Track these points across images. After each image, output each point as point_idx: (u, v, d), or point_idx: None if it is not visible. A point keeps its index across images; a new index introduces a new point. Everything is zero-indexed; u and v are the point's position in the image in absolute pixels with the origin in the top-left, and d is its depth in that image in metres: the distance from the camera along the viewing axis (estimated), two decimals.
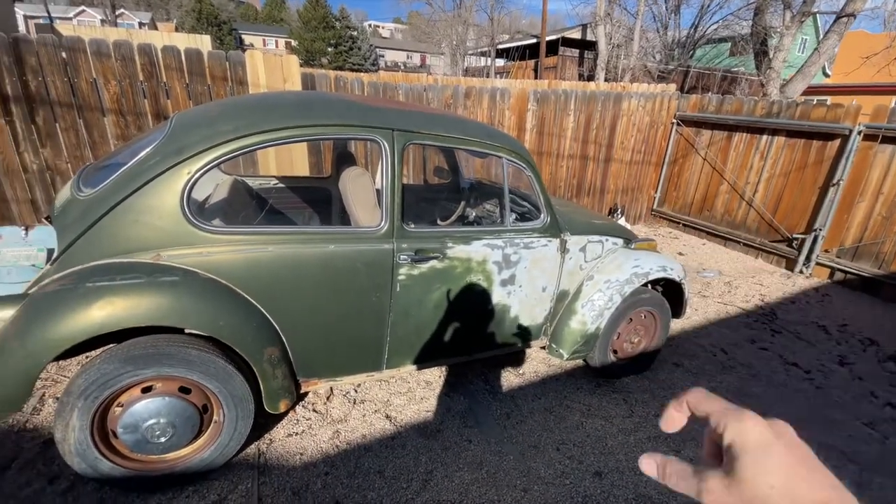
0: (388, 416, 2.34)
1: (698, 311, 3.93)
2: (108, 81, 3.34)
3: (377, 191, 1.97)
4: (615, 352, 2.84)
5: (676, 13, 18.30)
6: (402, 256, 1.95)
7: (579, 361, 2.94)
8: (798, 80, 8.90)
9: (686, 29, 18.02)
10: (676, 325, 3.64)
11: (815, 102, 4.87)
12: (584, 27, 20.02)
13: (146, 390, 1.70)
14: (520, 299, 2.38)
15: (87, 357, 2.52)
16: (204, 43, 11.22)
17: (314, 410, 2.35)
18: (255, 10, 60.33)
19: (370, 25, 67.99)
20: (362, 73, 8.62)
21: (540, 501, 1.91)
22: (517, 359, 2.97)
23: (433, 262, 2.04)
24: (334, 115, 1.84)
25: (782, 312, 3.97)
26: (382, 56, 45.75)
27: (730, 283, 4.56)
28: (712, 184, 5.88)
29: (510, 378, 2.76)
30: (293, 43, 40.80)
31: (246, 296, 1.75)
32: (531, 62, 21.12)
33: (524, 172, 2.29)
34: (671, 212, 6.61)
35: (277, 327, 1.84)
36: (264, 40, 45.22)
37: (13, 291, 1.62)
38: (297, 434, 2.18)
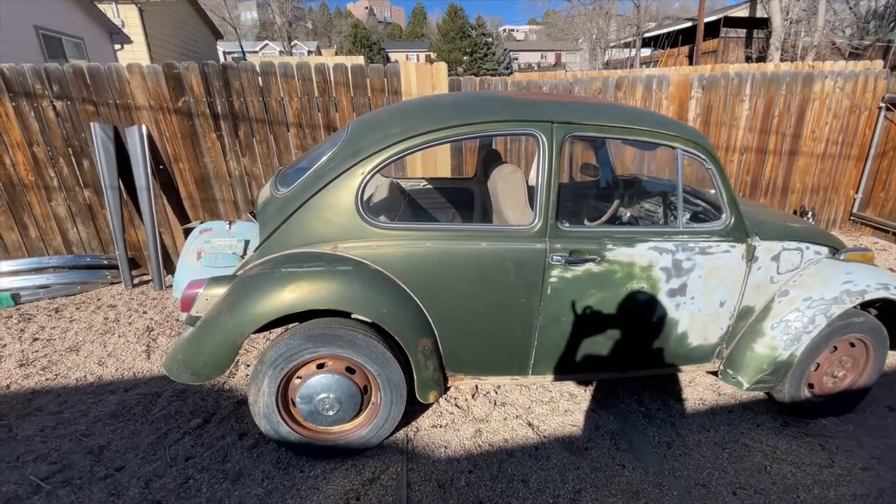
0: (530, 424, 2.24)
1: None
2: (292, 99, 3.88)
3: (530, 188, 1.89)
4: (811, 386, 2.31)
5: None
6: (554, 257, 1.84)
7: (758, 393, 2.46)
8: None
9: None
10: (890, 359, 2.83)
11: None
12: (753, 3, 17.19)
13: (320, 367, 1.89)
14: (691, 314, 2.07)
15: (271, 333, 2.95)
16: (358, 63, 12.60)
17: (456, 405, 2.37)
18: (400, 28, 65.76)
19: (504, 30, 68.75)
20: (495, 77, 8.70)
21: None
22: (677, 381, 2.61)
23: (589, 265, 1.88)
24: (492, 112, 1.82)
25: None
26: (516, 59, 45.80)
27: None
28: None
29: (670, 403, 2.43)
30: (433, 56, 43.35)
31: (405, 287, 1.83)
32: (684, 48, 18.93)
33: (704, 165, 1.99)
34: (878, 217, 5.24)
35: (431, 320, 1.89)
36: (407, 55, 48.95)
37: (223, 273, 1.95)
38: (441, 426, 2.22)
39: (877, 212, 5.36)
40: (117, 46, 12.14)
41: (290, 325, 2.03)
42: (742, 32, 17.53)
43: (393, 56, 47.48)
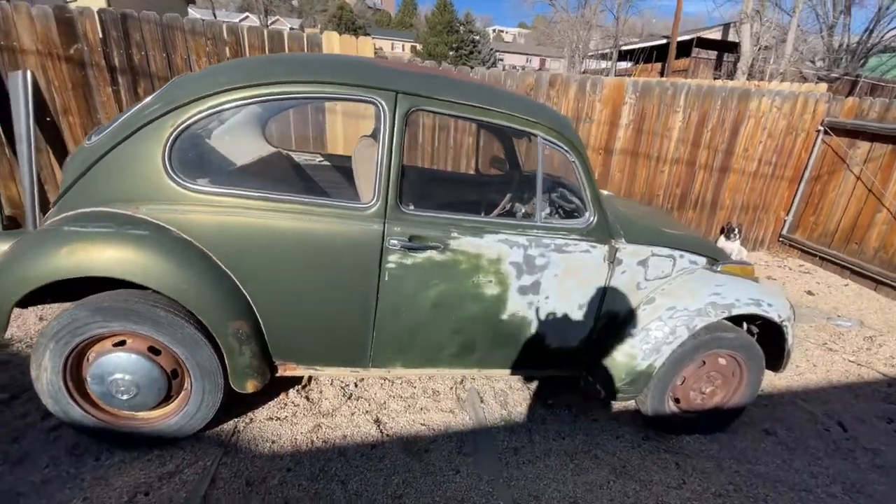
0: (377, 421, 2.08)
1: (818, 368, 3.01)
2: (199, 58, 3.59)
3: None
4: (677, 400, 2.23)
5: (847, 14, 15.10)
6: (392, 241, 1.68)
7: (629, 403, 2.38)
8: None
9: (858, 34, 14.81)
10: (778, 380, 2.81)
11: None
12: (726, 27, 17.62)
13: (119, 345, 1.67)
14: (545, 314, 1.94)
15: None
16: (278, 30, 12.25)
17: (306, 398, 2.19)
18: (390, 16, 64.74)
19: (494, 30, 68.68)
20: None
21: None
22: (550, 386, 2.50)
23: (431, 253, 1.72)
24: (332, 73, 1.63)
25: None
26: (501, 59, 45.77)
27: (872, 338, 3.45)
28: (866, 210, 4.59)
29: (535, 407, 2.32)
30: (418, 47, 42.81)
31: (219, 262, 1.63)
32: (657, 65, 19.25)
33: (567, 157, 1.86)
34: (806, 240, 5.34)
35: (251, 301, 1.69)
36: (392, 44, 48.19)
37: None
38: (278, 419, 2.03)
39: (806, 235, 5.46)
40: None
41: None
42: (713, 54, 17.94)
43: (378, 44, 46.67)
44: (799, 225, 5.52)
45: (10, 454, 1.73)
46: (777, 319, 2.08)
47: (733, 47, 16.85)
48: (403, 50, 46.90)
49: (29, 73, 3.37)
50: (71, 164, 1.70)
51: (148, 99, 1.68)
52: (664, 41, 18.95)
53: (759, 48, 15.31)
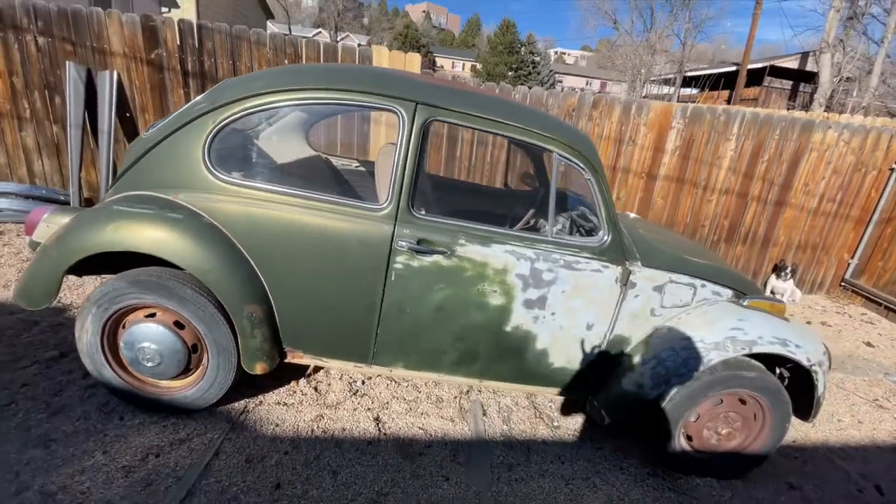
0: (377, 419, 2.13)
1: (863, 425, 2.73)
2: (261, 66, 3.90)
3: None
4: (689, 438, 2.12)
5: None
6: (400, 242, 1.74)
7: (639, 435, 2.28)
8: None
9: None
10: (815, 433, 2.59)
11: None
12: (804, 55, 16.58)
13: (150, 316, 1.84)
14: (551, 330, 1.93)
15: None
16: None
17: (315, 388, 2.28)
18: (453, 35, 66.50)
19: (556, 52, 68.62)
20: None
21: None
22: (557, 407, 2.45)
23: (437, 257, 1.77)
24: (356, 81, 1.74)
25: None
26: (561, 81, 45.57)
27: None
28: None
29: (538, 427, 2.28)
30: (478, 66, 43.53)
31: (242, 249, 1.76)
32: (724, 93, 18.42)
33: (583, 175, 1.86)
34: (871, 287, 4.89)
35: (266, 288, 1.81)
36: (453, 63, 49.38)
37: None
38: (285, 404, 2.14)
39: (872, 281, 5.01)
40: (164, 9, 12.64)
41: None
42: (788, 84, 16.93)
43: (440, 62, 47.98)
44: (865, 270, 5.07)
45: (51, 405, 1.94)
46: (805, 363, 1.93)
47: (811, 77, 15.84)
48: (464, 69, 47.89)
49: (115, 73, 3.81)
50: (129, 153, 1.91)
51: (198, 97, 1.87)
52: (734, 68, 18.15)
53: (840, 79, 14.28)
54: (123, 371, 1.90)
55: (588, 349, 1.98)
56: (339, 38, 30.19)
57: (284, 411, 2.09)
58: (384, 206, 1.75)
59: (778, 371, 2.22)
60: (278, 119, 2.39)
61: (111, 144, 3.85)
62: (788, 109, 16.69)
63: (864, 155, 4.66)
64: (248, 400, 2.12)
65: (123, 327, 1.85)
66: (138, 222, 1.68)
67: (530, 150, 2.56)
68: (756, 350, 1.90)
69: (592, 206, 2.21)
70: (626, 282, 1.90)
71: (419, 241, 1.76)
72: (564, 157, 1.82)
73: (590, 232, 2.14)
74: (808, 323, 4.37)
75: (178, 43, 3.80)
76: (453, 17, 78.48)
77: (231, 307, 1.76)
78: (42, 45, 3.79)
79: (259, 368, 1.87)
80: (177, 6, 13.22)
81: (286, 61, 3.91)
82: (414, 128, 1.71)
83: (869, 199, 4.87)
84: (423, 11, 70.91)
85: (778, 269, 4.88)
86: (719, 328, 1.93)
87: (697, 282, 2.02)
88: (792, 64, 16.93)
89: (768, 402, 2.04)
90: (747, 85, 17.21)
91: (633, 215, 2.92)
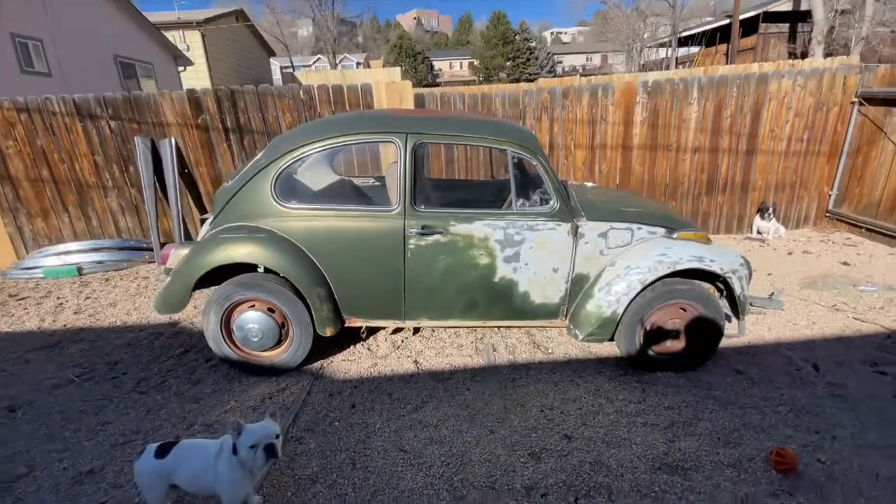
0: (416, 362, 2.92)
1: (816, 325, 3.31)
2: (285, 114, 4.80)
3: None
4: (647, 342, 2.77)
5: None
6: (410, 230, 2.53)
7: (615, 351, 2.96)
8: None
9: None
10: (768, 333, 3.19)
11: None
12: None
13: (251, 307, 2.69)
14: (527, 277, 2.66)
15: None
16: (393, 74, 13.88)
17: (368, 349, 3.10)
18: (447, 37, 67.23)
19: (552, 33, 68.21)
20: (523, 84, 9.29)
21: (500, 443, 2.23)
22: (550, 339, 3.17)
23: (437, 236, 2.55)
24: (364, 126, 2.55)
25: None
26: (560, 62, 45.55)
27: (892, 300, 3.60)
28: None
29: (536, 354, 3.01)
30: (475, 63, 44.11)
31: (305, 250, 2.59)
32: (722, 46, 18.40)
33: (532, 161, 2.59)
34: (852, 213, 5.32)
35: (325, 274, 2.63)
36: (450, 63, 50.13)
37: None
38: (348, 360, 2.96)
39: (852, 208, 5.44)
40: (181, 68, 13.98)
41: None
42: (784, 27, 16.80)
43: (437, 65, 48.88)
44: (845, 199, 5.50)
45: (191, 379, 2.82)
46: (720, 271, 2.59)
47: (805, 16, 15.71)
48: (461, 68, 48.59)
49: (173, 140, 4.78)
50: (218, 198, 2.78)
51: (259, 154, 2.72)
52: (727, 21, 18.11)
53: (835, 13, 14.18)
54: (237, 348, 2.76)
55: (559, 286, 2.71)
56: (338, 61, 31.51)
57: (349, 364, 2.92)
58: (395, 206, 2.54)
59: (717, 288, 2.85)
60: (308, 159, 3.23)
61: (178, 197, 4.82)
62: (790, 54, 16.58)
63: (823, 95, 5.11)
64: (322, 361, 2.95)
65: (233, 317, 2.71)
66: (238, 243, 2.53)
67: (492, 152, 3.30)
68: (679, 268, 2.57)
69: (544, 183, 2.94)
70: (575, 233, 2.61)
71: (423, 227, 2.54)
72: (515, 152, 2.56)
73: (546, 202, 2.86)
74: (790, 254, 4.87)
75: (217, 106, 4.74)
76: (444, 19, 79.31)
77: (305, 291, 2.59)
78: (114, 126, 4.80)
79: (328, 331, 2.69)
80: (191, 63, 14.54)
81: (302, 106, 4.77)
82: (407, 150, 2.50)
83: (836, 133, 5.30)
84: (414, 18, 72.12)
85: (760, 211, 5.39)
86: (650, 256, 2.61)
87: (634, 226, 2.71)
88: (786, 6, 16.79)
89: (703, 308, 2.69)
90: (744, 35, 17.18)
91: (590, 184, 3.61)
